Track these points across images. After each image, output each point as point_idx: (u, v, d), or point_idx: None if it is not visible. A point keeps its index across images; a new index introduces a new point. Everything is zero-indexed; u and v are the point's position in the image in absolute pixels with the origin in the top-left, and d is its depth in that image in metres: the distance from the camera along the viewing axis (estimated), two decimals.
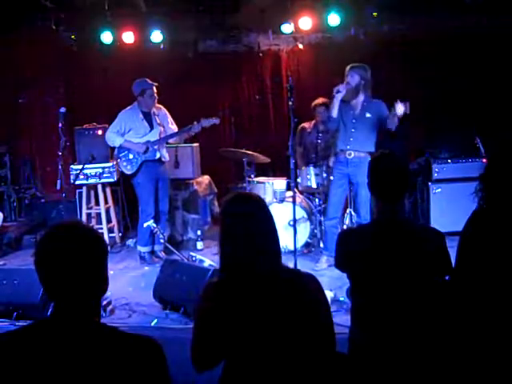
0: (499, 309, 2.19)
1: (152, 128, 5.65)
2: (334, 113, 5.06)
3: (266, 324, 1.97)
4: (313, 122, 6.60)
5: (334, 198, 5.30)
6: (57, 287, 1.61)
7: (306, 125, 6.53)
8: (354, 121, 5.14)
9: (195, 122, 5.51)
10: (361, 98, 5.13)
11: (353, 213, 5.81)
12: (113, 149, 5.91)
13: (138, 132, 5.63)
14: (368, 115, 5.13)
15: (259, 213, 2.09)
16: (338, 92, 4.98)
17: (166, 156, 5.85)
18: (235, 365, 2.00)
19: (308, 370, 1.98)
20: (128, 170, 5.66)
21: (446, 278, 2.42)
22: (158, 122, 5.70)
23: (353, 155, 5.14)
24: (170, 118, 5.82)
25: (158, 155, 5.66)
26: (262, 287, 2.00)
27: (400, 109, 4.67)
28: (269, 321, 1.97)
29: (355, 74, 5.07)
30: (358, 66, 5.10)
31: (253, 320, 1.97)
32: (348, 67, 5.11)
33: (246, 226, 2.04)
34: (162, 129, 5.71)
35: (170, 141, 5.82)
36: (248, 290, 2.00)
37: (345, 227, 5.72)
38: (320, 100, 6.49)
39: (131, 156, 5.63)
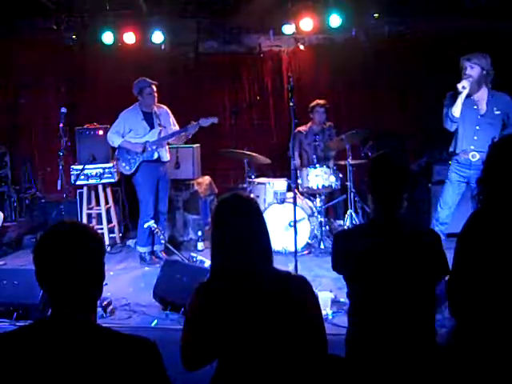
0: (498, 309, 2.19)
1: (152, 128, 5.65)
2: (458, 112, 4.53)
3: (255, 325, 1.98)
4: (308, 124, 6.62)
5: (450, 202, 4.68)
6: (52, 285, 1.62)
7: (301, 128, 6.54)
8: (479, 117, 4.59)
9: (192, 122, 5.50)
10: (484, 91, 4.59)
11: (353, 214, 5.82)
12: (114, 149, 5.91)
13: (137, 132, 5.62)
14: (497, 112, 4.57)
15: (251, 213, 2.11)
16: (464, 88, 4.48)
17: (167, 156, 5.82)
18: (227, 365, 2.02)
19: (298, 371, 2.00)
20: (126, 171, 5.66)
21: (445, 278, 2.42)
22: (159, 122, 5.68)
23: (478, 157, 4.52)
24: (172, 119, 5.80)
25: (156, 155, 5.64)
26: (252, 288, 2.01)
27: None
28: (258, 321, 1.98)
29: (475, 64, 4.53)
30: (476, 55, 4.56)
31: (241, 320, 1.98)
32: (464, 58, 4.58)
33: (237, 226, 2.06)
34: (163, 129, 5.69)
35: (170, 141, 5.79)
36: (237, 290, 2.01)
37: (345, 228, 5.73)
38: (321, 101, 6.52)
39: (129, 156, 5.62)
